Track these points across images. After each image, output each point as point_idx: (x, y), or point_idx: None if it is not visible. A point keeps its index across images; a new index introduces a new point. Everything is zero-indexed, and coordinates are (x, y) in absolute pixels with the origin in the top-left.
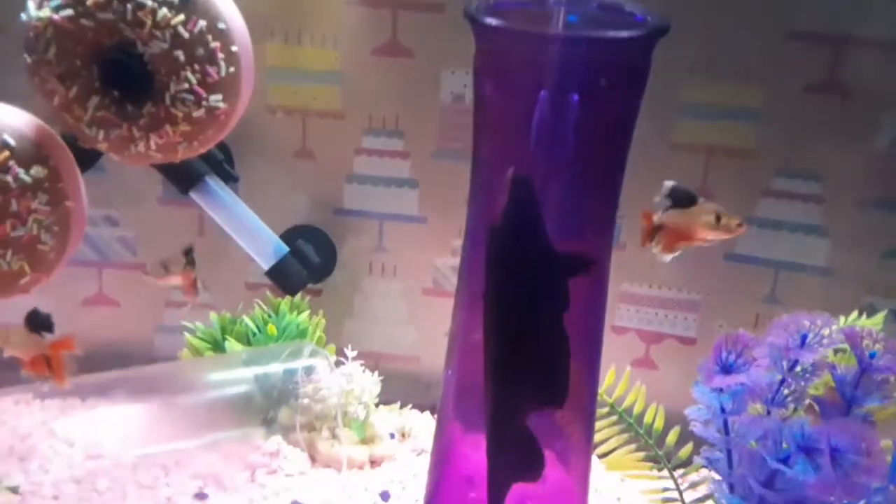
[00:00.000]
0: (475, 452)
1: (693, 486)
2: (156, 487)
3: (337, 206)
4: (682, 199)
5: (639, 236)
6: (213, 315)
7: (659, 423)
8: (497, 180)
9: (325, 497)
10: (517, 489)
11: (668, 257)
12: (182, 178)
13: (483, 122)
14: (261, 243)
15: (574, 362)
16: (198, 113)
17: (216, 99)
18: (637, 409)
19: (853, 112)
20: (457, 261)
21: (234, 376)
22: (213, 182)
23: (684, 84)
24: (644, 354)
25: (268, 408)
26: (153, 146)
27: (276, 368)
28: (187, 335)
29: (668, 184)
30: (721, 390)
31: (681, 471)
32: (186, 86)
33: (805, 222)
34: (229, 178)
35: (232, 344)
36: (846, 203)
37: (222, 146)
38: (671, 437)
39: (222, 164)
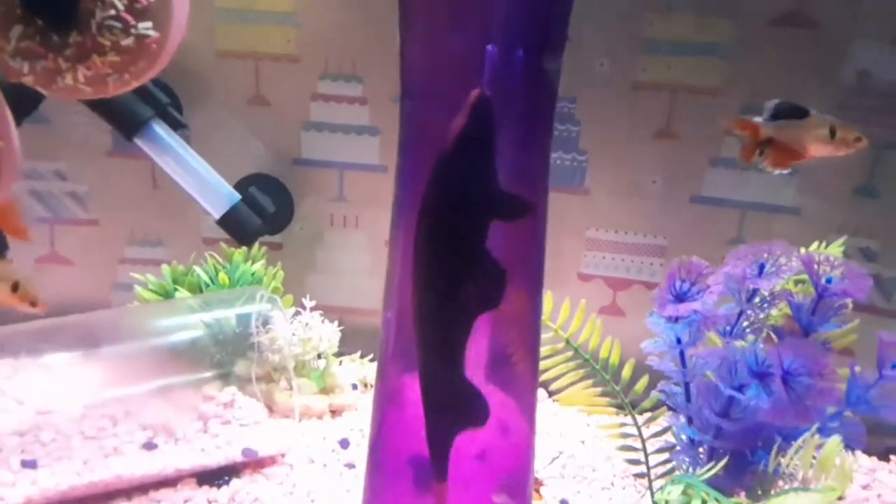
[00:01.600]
0: (417, 394)
1: (652, 420)
2: (102, 438)
3: (294, 156)
4: (790, 114)
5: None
6: (164, 267)
7: (615, 358)
8: (431, 114)
9: (281, 444)
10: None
11: (777, 171)
12: (126, 122)
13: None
14: (211, 191)
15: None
16: (126, 41)
17: (146, 26)
18: (593, 345)
19: (820, 45)
20: None
21: (184, 322)
22: (160, 127)
23: (647, 21)
24: (611, 301)
25: (221, 355)
26: (81, 78)
27: (227, 314)
28: (138, 288)
29: (772, 102)
30: (676, 320)
31: (640, 410)
32: (113, 12)
33: None
34: (177, 125)
35: (183, 294)
36: None
37: (169, 91)
38: (626, 372)
39: (168, 108)
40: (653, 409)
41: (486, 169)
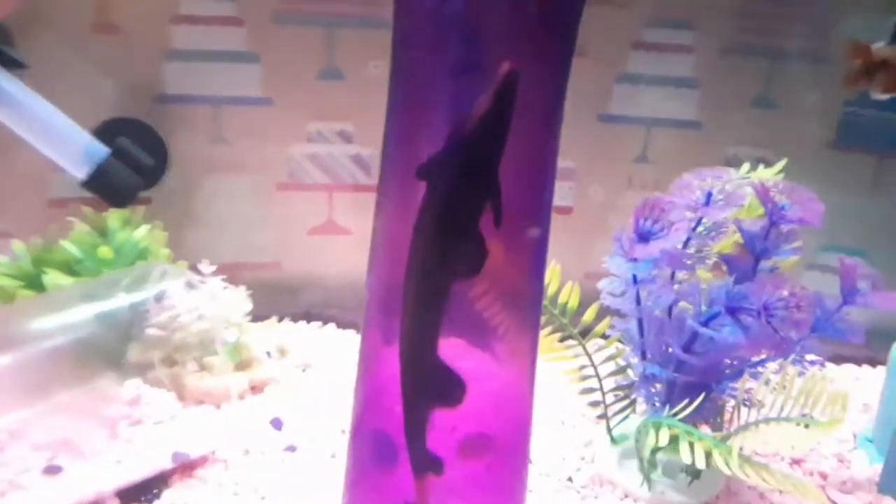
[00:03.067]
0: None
1: (609, 359)
2: None
3: (156, 92)
4: None
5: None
6: (16, 244)
7: (574, 303)
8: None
9: (208, 439)
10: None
11: (886, 97)
12: None
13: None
14: (70, 147)
15: (515, 254)
16: None
17: None
18: (552, 290)
19: None
20: (314, 147)
21: (69, 319)
22: None
23: None
24: None
25: (117, 348)
26: None
27: (121, 301)
28: None
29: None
30: (636, 260)
31: (597, 344)
32: None
33: (676, 75)
34: (13, 64)
35: (53, 276)
36: (714, 51)
37: None
38: (588, 315)
39: (0, 47)
40: (603, 337)
41: (500, 149)
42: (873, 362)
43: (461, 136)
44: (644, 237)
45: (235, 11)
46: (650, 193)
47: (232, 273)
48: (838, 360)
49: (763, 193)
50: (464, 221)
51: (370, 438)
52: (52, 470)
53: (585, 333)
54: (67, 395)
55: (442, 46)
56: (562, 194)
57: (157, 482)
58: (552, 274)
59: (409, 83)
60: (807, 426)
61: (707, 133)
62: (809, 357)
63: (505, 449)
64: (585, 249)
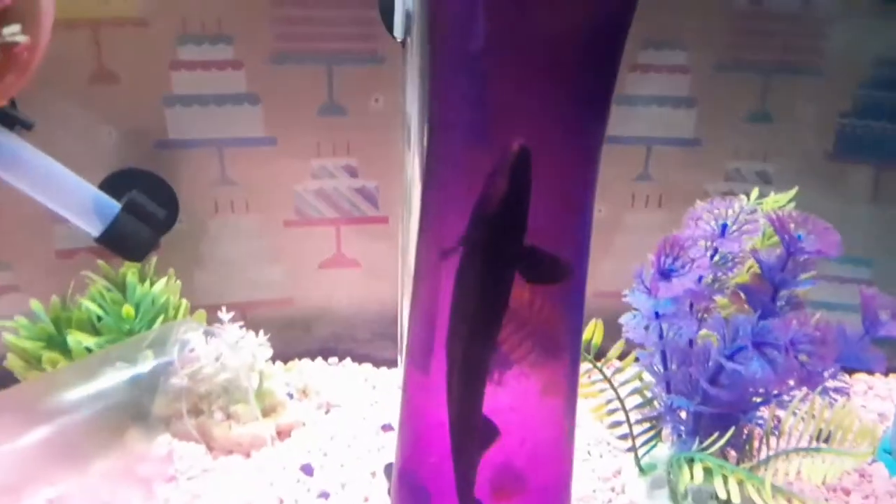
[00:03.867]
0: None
1: (634, 392)
2: None
3: (159, 138)
4: None
5: None
6: (34, 304)
7: (598, 340)
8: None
9: (242, 491)
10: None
11: None
12: None
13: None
14: (81, 203)
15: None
16: None
17: (12, 32)
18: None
19: None
20: (320, 183)
21: (100, 387)
22: (1, 135)
23: None
24: None
25: (145, 405)
26: None
27: (149, 363)
28: (9, 337)
29: None
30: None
31: (622, 377)
32: None
33: (673, 94)
34: (19, 125)
35: (75, 336)
36: (709, 69)
37: None
38: (613, 353)
39: (5, 108)
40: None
41: (521, 221)
42: (886, 370)
43: (481, 215)
44: (666, 275)
45: (234, 54)
46: (654, 210)
47: (245, 311)
48: (850, 369)
49: (780, 225)
50: (495, 293)
51: (406, 481)
52: None
53: (599, 356)
54: (102, 462)
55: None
56: None
57: None
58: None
59: (440, 164)
60: (841, 455)
61: (706, 149)
62: (832, 384)
63: (540, 489)
64: (592, 268)
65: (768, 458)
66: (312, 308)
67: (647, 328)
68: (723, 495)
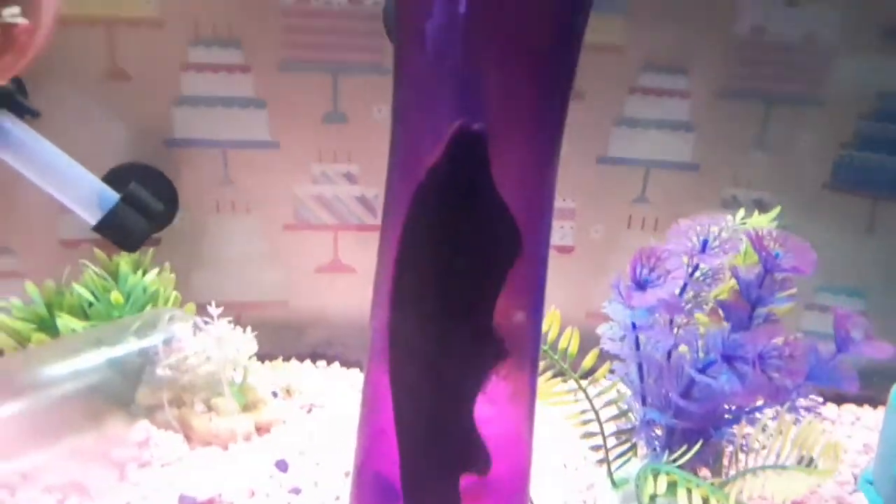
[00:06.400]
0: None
1: (610, 403)
2: None
3: (167, 137)
4: None
5: None
6: (29, 286)
7: (574, 348)
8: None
9: (215, 481)
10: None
11: None
12: None
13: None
14: (82, 192)
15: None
16: None
17: (12, 13)
18: (552, 335)
19: (714, 1)
20: (320, 188)
21: (82, 365)
22: (8, 121)
23: None
24: None
25: (126, 390)
26: None
27: (131, 346)
28: (1, 317)
29: None
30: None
31: (597, 388)
32: None
33: (672, 118)
34: (26, 113)
35: (66, 320)
36: (710, 95)
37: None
38: (588, 361)
39: (14, 96)
40: (590, 373)
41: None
42: (874, 402)
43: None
44: (641, 286)
45: (243, 59)
46: (650, 233)
47: (239, 311)
48: (839, 400)
49: (757, 242)
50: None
51: (371, 483)
52: None
53: (586, 376)
54: (78, 438)
55: (438, 95)
56: (562, 234)
57: None
58: (552, 319)
59: (406, 136)
60: (806, 473)
61: (704, 174)
62: (803, 403)
63: (504, 493)
64: (586, 289)
65: (736, 475)
66: (306, 312)
67: (622, 339)
68: None
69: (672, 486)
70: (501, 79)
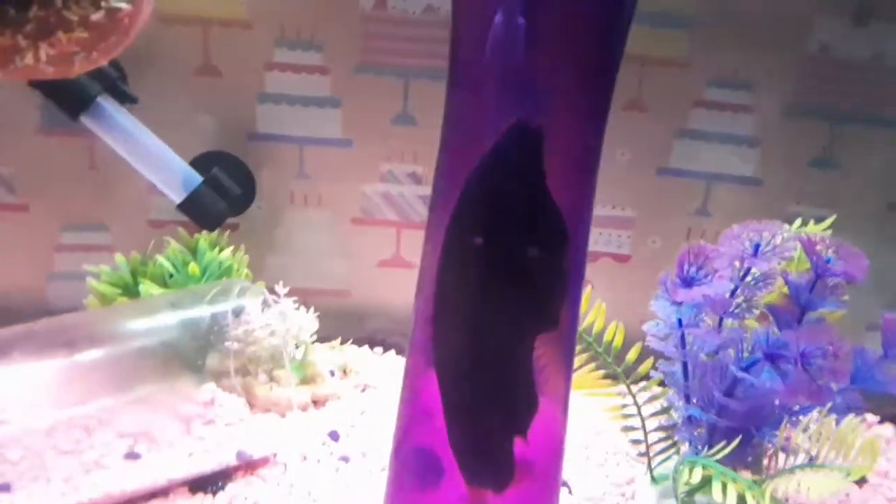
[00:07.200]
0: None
1: (652, 399)
2: (79, 452)
3: (250, 130)
4: None
5: None
6: (118, 257)
7: (618, 342)
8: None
9: (271, 443)
10: None
11: None
12: (70, 100)
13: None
14: (169, 173)
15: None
16: (96, 16)
17: None
18: (597, 329)
19: (783, 18)
20: (386, 186)
21: (157, 323)
22: (109, 104)
23: None
24: None
25: (197, 355)
26: (43, 57)
27: (203, 312)
28: (91, 281)
29: None
30: (680, 304)
31: (640, 384)
32: None
33: (737, 133)
34: (126, 99)
35: (147, 287)
36: (775, 111)
37: (114, 62)
38: (632, 355)
39: (117, 82)
40: (646, 377)
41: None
42: None
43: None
44: (687, 282)
45: (322, 61)
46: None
47: (305, 297)
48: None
49: (809, 246)
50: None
51: (414, 457)
52: (132, 456)
53: (630, 374)
54: (150, 389)
55: (492, 93)
56: (619, 242)
57: (223, 476)
58: (597, 312)
59: (457, 123)
60: (847, 473)
61: (767, 190)
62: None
63: (542, 474)
64: (641, 298)
65: (776, 474)
66: (367, 302)
67: (667, 337)
68: (719, 499)
69: (708, 481)
70: (553, 80)
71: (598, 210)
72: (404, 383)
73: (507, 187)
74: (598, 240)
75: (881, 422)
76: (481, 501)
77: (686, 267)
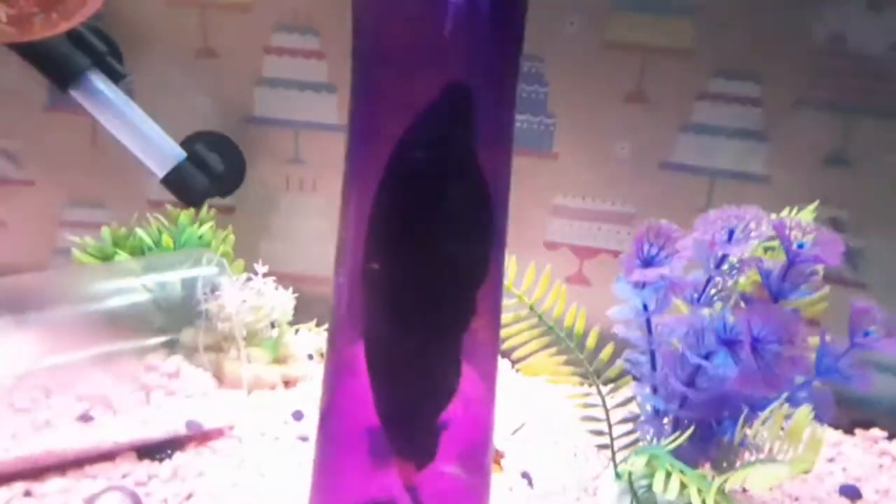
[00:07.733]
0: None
1: (616, 390)
2: (34, 410)
3: (246, 114)
4: None
5: (572, 145)
6: (104, 230)
7: (580, 326)
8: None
9: (228, 417)
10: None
11: None
12: (59, 72)
13: None
14: (154, 148)
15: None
16: None
17: None
18: (557, 312)
19: (793, 7)
20: None
21: (124, 286)
22: (97, 78)
23: None
24: (577, 271)
25: (165, 322)
26: (3, 17)
27: (171, 277)
28: (75, 251)
29: None
30: (643, 286)
31: (605, 380)
32: None
33: (743, 127)
34: (115, 75)
35: (122, 257)
36: (785, 105)
37: (107, 39)
38: (591, 341)
39: (106, 57)
40: (617, 378)
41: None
42: None
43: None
44: (647, 263)
45: (319, 46)
46: None
47: (297, 282)
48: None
49: (780, 231)
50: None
51: (343, 432)
52: (85, 418)
53: (601, 374)
54: (117, 355)
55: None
56: (619, 238)
57: (173, 445)
58: (556, 293)
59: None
60: (785, 466)
61: (776, 188)
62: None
63: (469, 453)
64: None
65: (730, 470)
66: None
67: (631, 323)
68: (659, 489)
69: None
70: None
71: (598, 205)
72: (327, 357)
73: (441, 148)
74: (598, 235)
75: (889, 438)
76: (407, 474)
77: (645, 247)
